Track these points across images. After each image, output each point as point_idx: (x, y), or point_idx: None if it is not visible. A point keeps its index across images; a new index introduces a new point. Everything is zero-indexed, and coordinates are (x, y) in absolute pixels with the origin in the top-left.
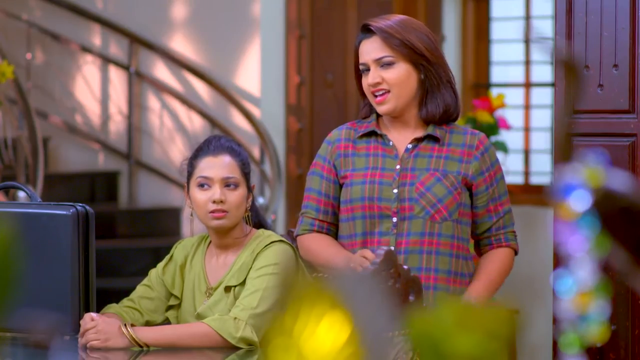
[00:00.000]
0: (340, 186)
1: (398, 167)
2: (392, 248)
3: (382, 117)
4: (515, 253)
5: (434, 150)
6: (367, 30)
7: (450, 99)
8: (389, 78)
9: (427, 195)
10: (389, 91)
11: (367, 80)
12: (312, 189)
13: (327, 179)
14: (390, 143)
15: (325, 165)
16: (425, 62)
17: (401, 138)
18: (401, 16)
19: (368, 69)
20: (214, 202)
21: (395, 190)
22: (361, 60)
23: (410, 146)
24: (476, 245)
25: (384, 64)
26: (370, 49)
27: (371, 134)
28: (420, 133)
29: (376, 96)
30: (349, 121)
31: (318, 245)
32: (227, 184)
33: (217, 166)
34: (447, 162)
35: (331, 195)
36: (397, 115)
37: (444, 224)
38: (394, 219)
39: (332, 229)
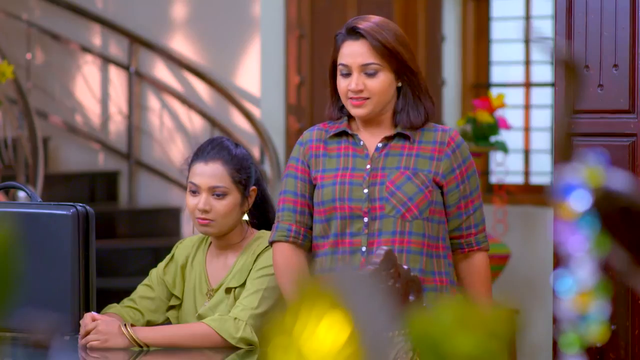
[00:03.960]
0: (314, 187)
1: (368, 166)
2: (364, 249)
3: (354, 117)
4: (487, 251)
5: (404, 148)
6: (352, 32)
7: (430, 106)
8: (372, 87)
9: (398, 194)
10: (368, 98)
11: (347, 84)
12: (287, 190)
13: (302, 179)
14: (361, 143)
15: (298, 166)
16: (409, 72)
17: (372, 138)
18: (380, 18)
19: (349, 73)
20: (199, 210)
21: (366, 190)
22: (343, 62)
23: (380, 145)
24: None
25: (369, 72)
26: (357, 54)
27: (342, 134)
28: (391, 132)
29: (352, 99)
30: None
31: (285, 269)
32: (214, 192)
33: (205, 174)
34: (418, 160)
35: (307, 195)
36: (371, 119)
37: (414, 222)
38: (365, 219)
39: (308, 235)
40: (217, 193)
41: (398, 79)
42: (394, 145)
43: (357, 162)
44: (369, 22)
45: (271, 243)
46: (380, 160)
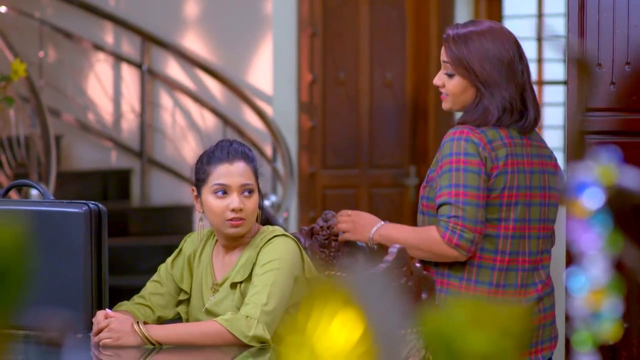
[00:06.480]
0: None
1: None
2: None
3: None
4: (447, 242)
5: None
6: None
7: (487, 116)
8: (448, 86)
9: None
10: (448, 95)
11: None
12: None
13: None
14: None
15: None
16: (478, 82)
17: None
18: (482, 25)
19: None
20: (232, 210)
21: None
22: None
23: None
24: None
25: (447, 72)
26: (442, 53)
27: None
28: None
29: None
30: (359, 118)
31: None
32: (244, 191)
33: (234, 173)
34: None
35: None
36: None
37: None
38: None
39: None
40: (247, 191)
41: (472, 86)
42: None
43: None
44: (459, 27)
45: None
46: None
